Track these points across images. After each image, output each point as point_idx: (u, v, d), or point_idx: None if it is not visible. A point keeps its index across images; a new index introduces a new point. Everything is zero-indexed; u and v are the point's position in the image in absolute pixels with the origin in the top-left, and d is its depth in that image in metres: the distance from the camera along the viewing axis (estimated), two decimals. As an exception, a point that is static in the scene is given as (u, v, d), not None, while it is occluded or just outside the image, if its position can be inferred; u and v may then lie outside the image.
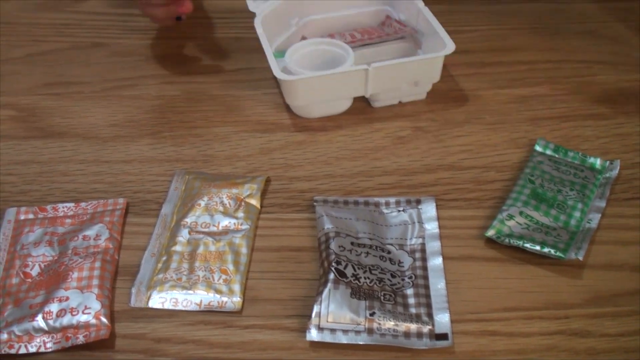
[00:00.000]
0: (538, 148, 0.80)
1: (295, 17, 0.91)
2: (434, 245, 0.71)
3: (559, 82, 0.90)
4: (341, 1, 0.92)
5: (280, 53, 0.87)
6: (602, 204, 0.75)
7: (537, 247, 0.69)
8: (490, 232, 0.71)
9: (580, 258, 0.69)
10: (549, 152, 0.80)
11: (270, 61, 0.80)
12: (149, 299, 0.67)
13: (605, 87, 0.89)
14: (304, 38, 0.90)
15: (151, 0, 0.88)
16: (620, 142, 0.82)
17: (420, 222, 0.73)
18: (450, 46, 0.81)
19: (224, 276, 0.68)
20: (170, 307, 0.67)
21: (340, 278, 0.66)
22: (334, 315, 0.64)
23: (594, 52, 0.95)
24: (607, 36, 0.97)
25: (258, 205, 0.75)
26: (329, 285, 0.65)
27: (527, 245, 0.70)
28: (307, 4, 0.91)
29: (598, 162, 0.79)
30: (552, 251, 0.69)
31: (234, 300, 0.66)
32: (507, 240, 0.70)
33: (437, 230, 0.72)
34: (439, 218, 0.73)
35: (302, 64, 0.83)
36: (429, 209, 0.74)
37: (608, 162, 0.79)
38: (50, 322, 0.64)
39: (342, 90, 0.82)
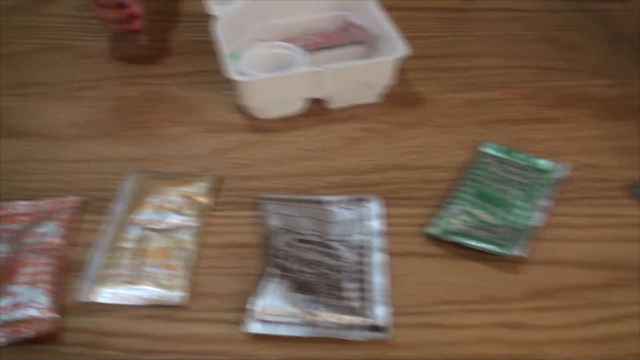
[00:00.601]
0: (486, 150, 0.82)
1: (256, 21, 0.93)
2: (377, 242, 0.72)
3: (512, 87, 0.91)
4: (302, 6, 0.94)
5: (239, 56, 0.89)
6: (547, 203, 0.76)
7: (479, 244, 0.71)
8: (433, 229, 0.73)
9: (521, 254, 0.70)
10: (496, 153, 0.82)
11: (227, 63, 0.81)
12: (95, 293, 0.68)
13: (559, 92, 0.91)
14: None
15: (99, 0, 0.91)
16: (571, 145, 0.84)
17: (366, 220, 0.74)
18: (402, 50, 0.83)
19: (169, 271, 0.69)
20: (117, 302, 0.68)
21: (282, 273, 0.67)
22: (273, 308, 0.65)
23: (550, 59, 0.96)
24: (565, 44, 0.99)
25: (207, 203, 0.76)
26: (270, 279, 0.67)
27: (469, 242, 0.71)
28: (268, 9, 0.93)
29: (545, 164, 0.81)
30: (494, 248, 0.71)
31: (178, 295, 0.68)
32: (449, 237, 0.72)
33: (381, 228, 0.73)
34: (385, 216, 0.75)
35: (258, 66, 0.85)
36: (375, 207, 0.75)
37: (555, 163, 0.81)
38: (1, 316, 0.65)
39: (296, 92, 0.84)
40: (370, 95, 0.88)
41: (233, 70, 0.81)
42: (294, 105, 0.86)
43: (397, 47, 0.84)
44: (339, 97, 0.86)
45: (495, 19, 1.04)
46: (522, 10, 1.05)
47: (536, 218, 0.74)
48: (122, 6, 0.93)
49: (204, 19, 0.90)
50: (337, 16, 0.95)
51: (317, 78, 0.82)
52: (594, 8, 1.05)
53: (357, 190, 0.78)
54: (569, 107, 0.89)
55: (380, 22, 0.88)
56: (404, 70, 0.92)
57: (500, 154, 0.82)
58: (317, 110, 0.88)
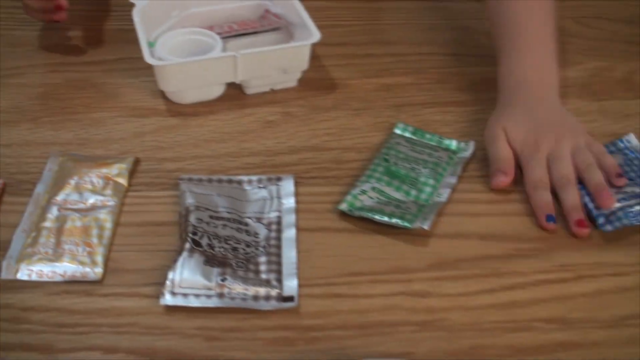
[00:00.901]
0: (397, 131, 0.86)
1: (176, 9, 0.95)
2: (289, 218, 0.75)
3: (425, 72, 0.95)
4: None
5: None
6: (454, 180, 0.80)
7: (386, 218, 0.74)
8: (343, 206, 0.76)
9: (426, 227, 0.74)
10: (407, 134, 0.86)
11: (143, 48, 0.84)
12: (17, 271, 0.70)
13: (471, 77, 0.95)
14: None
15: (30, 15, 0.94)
16: (479, 126, 0.88)
17: (279, 198, 0.77)
18: (315, 36, 0.87)
19: (87, 249, 0.72)
20: (36, 279, 0.70)
21: (195, 247, 0.70)
22: (187, 281, 0.68)
23: (464, 46, 1.01)
24: (480, 32, 1.03)
25: (125, 184, 0.78)
26: (184, 254, 0.69)
27: (376, 216, 0.74)
28: (187, -3, 0.96)
29: (454, 143, 0.85)
30: (399, 222, 0.74)
31: (95, 271, 0.70)
32: (357, 212, 0.75)
33: (293, 205, 0.77)
34: (297, 194, 0.78)
35: (176, 53, 0.88)
36: (288, 186, 0.78)
37: (463, 143, 0.85)
38: None
39: (212, 77, 0.87)
40: (286, 80, 0.91)
41: (149, 54, 0.84)
42: (211, 90, 0.89)
43: (312, 33, 0.87)
44: (255, 82, 0.89)
45: (411, 8, 1.08)
46: (442, 1, 1.09)
47: (442, 194, 0.78)
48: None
49: (128, 9, 0.92)
50: (257, 5, 0.98)
51: (231, 63, 0.85)
52: None
53: (271, 170, 0.81)
54: (478, 91, 0.93)
55: (297, 10, 0.91)
56: (320, 57, 0.95)
57: (410, 135, 0.85)
58: (235, 95, 0.91)
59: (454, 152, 0.84)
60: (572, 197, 0.78)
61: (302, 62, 0.89)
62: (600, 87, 0.95)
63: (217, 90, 0.89)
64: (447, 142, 0.85)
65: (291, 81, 0.91)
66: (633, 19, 1.08)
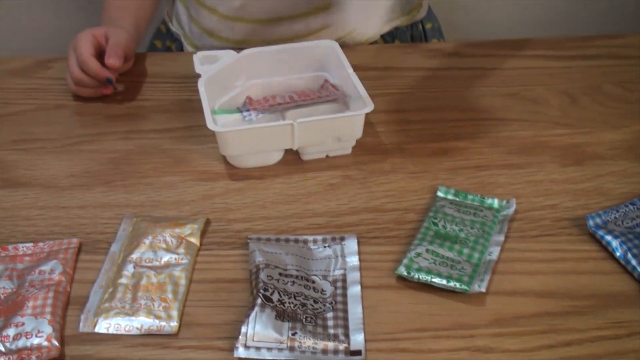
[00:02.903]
0: (440, 194, 0.90)
1: (240, 80, 1.01)
2: (354, 276, 0.79)
3: (479, 137, 0.99)
4: (283, 68, 1.03)
5: (224, 111, 0.97)
6: (501, 238, 0.84)
7: (444, 281, 0.78)
8: (401, 269, 0.79)
9: (483, 290, 0.77)
10: (450, 196, 0.89)
11: (207, 116, 0.89)
12: (95, 324, 0.74)
13: (522, 141, 0.99)
14: (249, 98, 0.99)
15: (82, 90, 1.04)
16: (532, 187, 0.91)
17: (343, 256, 0.81)
18: (369, 106, 0.91)
19: (163, 304, 0.76)
20: (114, 332, 0.74)
21: (266, 302, 0.74)
22: (259, 334, 0.71)
23: (514, 112, 1.04)
24: (528, 98, 1.07)
25: (197, 243, 0.83)
26: (256, 308, 0.73)
27: (435, 279, 0.78)
28: (251, 69, 1.01)
29: (496, 202, 0.89)
30: (457, 284, 0.77)
31: (171, 325, 0.74)
32: (416, 275, 0.78)
33: (357, 263, 0.80)
34: (360, 252, 0.82)
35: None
36: (351, 245, 0.82)
37: (505, 202, 0.88)
38: (7, 344, 0.71)
39: (270, 143, 0.92)
40: (341, 147, 0.95)
41: (211, 121, 0.89)
42: (270, 156, 0.94)
43: (366, 104, 0.92)
44: (311, 149, 0.94)
45: (459, 76, 1.12)
46: (487, 69, 1.14)
47: (492, 252, 0.82)
48: (110, 82, 1.03)
49: (195, 80, 0.97)
50: (316, 76, 1.04)
51: (289, 131, 0.90)
52: (554, 65, 1.14)
53: (335, 230, 0.85)
54: (530, 154, 0.97)
55: (352, 82, 0.96)
56: (375, 123, 1.00)
57: (453, 197, 0.89)
58: (294, 160, 0.95)
59: (497, 210, 0.88)
60: None
61: (356, 131, 0.94)
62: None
63: (276, 156, 0.94)
64: (489, 201, 0.89)
65: (346, 149, 0.96)
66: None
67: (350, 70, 0.98)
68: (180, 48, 1.27)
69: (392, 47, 1.20)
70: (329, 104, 0.99)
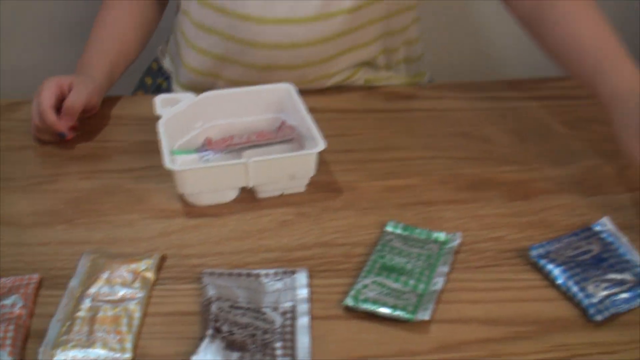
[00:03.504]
0: (389, 229, 0.93)
1: (200, 121, 1.05)
2: (303, 307, 0.82)
3: (428, 175, 1.03)
4: (242, 109, 1.07)
5: (183, 151, 1.01)
6: (446, 269, 0.87)
7: (389, 311, 0.81)
8: (348, 300, 0.83)
9: (427, 318, 0.80)
10: (398, 231, 0.93)
11: (165, 155, 0.93)
12: (53, 356, 0.77)
13: (471, 178, 1.03)
14: (207, 139, 1.03)
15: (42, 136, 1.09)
16: (479, 221, 0.95)
17: (293, 289, 0.84)
18: (320, 145, 0.95)
19: (118, 336, 0.79)
20: (71, 364, 0.77)
21: (216, 333, 0.77)
22: (209, 364, 0.74)
23: (464, 150, 1.09)
24: (478, 137, 1.12)
25: (153, 278, 0.86)
26: (207, 339, 0.76)
27: (381, 309, 0.81)
28: (210, 111, 1.05)
29: (442, 235, 0.92)
30: (402, 313, 0.81)
31: (125, 357, 0.77)
32: (363, 306, 0.82)
33: (306, 295, 0.84)
34: (310, 285, 0.85)
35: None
36: (301, 278, 0.85)
37: (451, 235, 0.92)
38: (-32, 375, 0.74)
39: (225, 181, 0.96)
40: (295, 185, 0.99)
41: (169, 160, 0.93)
42: (226, 194, 0.98)
43: (317, 143, 0.96)
44: (266, 187, 0.98)
45: (411, 118, 1.17)
46: (440, 110, 1.19)
47: (437, 283, 0.85)
48: (62, 137, 1.08)
49: (156, 121, 1.01)
50: (274, 118, 1.08)
51: (243, 169, 0.94)
52: (504, 106, 1.18)
53: (287, 264, 0.88)
54: (478, 190, 1.01)
55: (307, 122, 1.00)
56: (329, 163, 1.04)
57: (400, 231, 0.93)
58: (250, 198, 0.99)
59: (444, 243, 0.91)
60: None
61: (309, 169, 0.98)
62: (592, 183, 1.02)
63: (232, 194, 0.98)
64: (435, 234, 0.93)
65: (300, 187, 0.99)
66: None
67: (305, 112, 1.02)
68: (170, 85, 1.31)
69: (352, 89, 1.24)
70: (285, 144, 1.03)
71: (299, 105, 1.03)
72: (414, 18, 1.27)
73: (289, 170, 0.96)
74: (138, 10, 1.24)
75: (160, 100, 1.03)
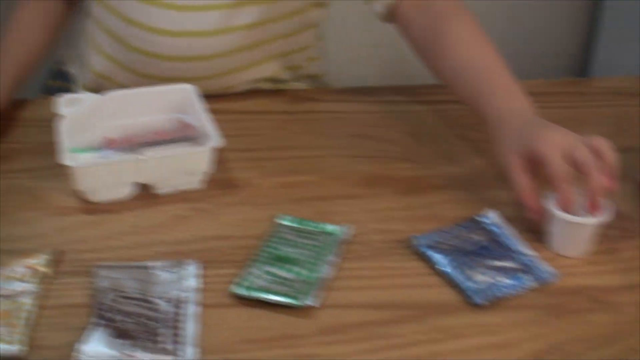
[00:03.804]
0: (282, 222, 0.97)
1: (102, 120, 1.07)
2: (193, 297, 0.85)
3: (324, 172, 1.07)
4: (142, 109, 1.09)
5: (84, 150, 1.03)
6: (336, 259, 0.91)
7: (277, 298, 0.85)
8: (237, 288, 0.86)
9: (312, 303, 0.84)
10: (291, 224, 0.97)
11: (62, 152, 0.96)
12: (-56, 350, 0.79)
13: (365, 175, 1.07)
14: (109, 139, 1.05)
15: None
16: (370, 215, 1.00)
17: (183, 279, 0.87)
18: (215, 141, 0.99)
19: (11, 329, 0.80)
20: (-38, 357, 0.78)
21: (105, 322, 0.80)
22: (95, 352, 0.77)
23: (360, 149, 1.13)
24: (375, 138, 1.16)
25: (48, 272, 0.88)
26: (93, 327, 0.79)
27: (269, 296, 0.85)
28: (112, 110, 1.07)
29: (333, 228, 0.96)
30: (290, 300, 0.84)
31: (17, 348, 0.78)
32: (252, 294, 0.85)
33: (197, 285, 0.86)
34: (202, 276, 0.88)
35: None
36: (192, 269, 0.88)
37: (341, 227, 0.96)
38: None
39: (122, 177, 0.99)
40: (191, 182, 1.02)
41: (65, 156, 0.95)
42: (123, 190, 1.00)
43: (214, 140, 1.00)
44: (162, 182, 1.00)
45: (315, 119, 1.21)
46: (340, 112, 1.23)
47: (325, 271, 0.89)
48: None
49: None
50: (174, 118, 1.10)
51: (139, 165, 0.97)
52: (401, 109, 1.23)
53: (179, 257, 0.91)
54: (371, 186, 1.05)
55: (205, 122, 1.03)
56: (229, 161, 1.07)
57: (293, 224, 0.97)
58: (149, 194, 1.02)
59: (334, 235, 0.95)
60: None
61: (204, 165, 1.01)
62: (483, 180, 1.07)
63: (128, 191, 1.00)
64: (327, 227, 0.96)
65: (196, 183, 1.02)
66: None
67: (204, 111, 1.05)
68: (74, 89, 1.32)
69: (258, 93, 1.28)
70: (184, 143, 1.05)
71: (199, 105, 1.06)
72: (317, 36, 1.31)
73: (184, 166, 0.99)
74: (45, 11, 1.25)
75: (62, 100, 1.05)
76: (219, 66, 1.20)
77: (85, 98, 1.06)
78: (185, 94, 1.10)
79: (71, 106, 1.05)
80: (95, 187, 0.98)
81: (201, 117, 1.05)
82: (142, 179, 0.99)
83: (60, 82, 1.35)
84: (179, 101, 1.10)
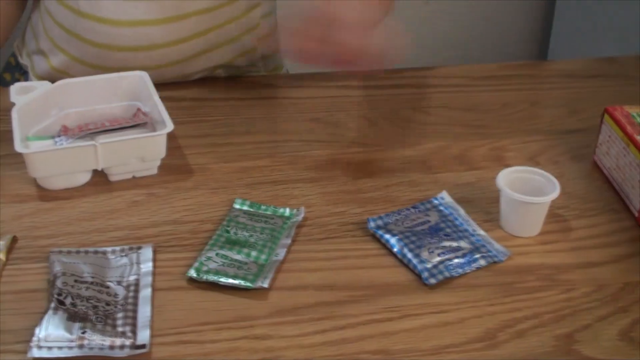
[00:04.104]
0: (236, 205, 0.99)
1: (55, 109, 1.07)
2: (146, 280, 0.86)
3: (278, 157, 1.09)
4: (97, 97, 1.10)
5: (38, 137, 1.04)
6: (288, 241, 0.93)
7: (230, 280, 0.86)
8: (191, 272, 0.87)
9: (265, 286, 0.86)
10: (245, 207, 0.98)
11: (16, 139, 0.96)
12: None
13: (318, 159, 1.09)
14: (64, 127, 1.06)
15: None
16: (324, 198, 1.01)
17: (138, 263, 0.88)
18: (169, 127, 1.00)
19: (-36, 315, 0.81)
20: None
21: (59, 306, 0.80)
22: (51, 335, 0.78)
23: (314, 134, 1.15)
24: (329, 122, 1.18)
25: (4, 259, 0.88)
26: (49, 312, 0.79)
27: (222, 279, 0.86)
28: (66, 98, 1.08)
29: (287, 211, 0.98)
30: (242, 282, 0.86)
31: (-32, 333, 0.79)
32: (205, 277, 0.86)
33: (151, 269, 0.88)
34: (155, 260, 0.89)
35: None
36: (147, 253, 0.90)
37: (295, 210, 0.98)
38: None
39: (76, 164, 0.99)
40: (147, 168, 1.03)
41: (19, 144, 0.95)
42: (77, 177, 1.01)
43: (167, 125, 1.00)
44: (117, 169, 1.01)
45: (271, 105, 1.23)
46: (295, 98, 1.25)
47: (279, 254, 0.90)
48: None
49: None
50: (130, 106, 1.11)
51: (92, 151, 0.97)
52: (356, 94, 1.25)
53: (133, 241, 0.92)
54: (325, 170, 1.07)
55: (159, 108, 1.04)
56: (184, 147, 1.09)
57: (248, 208, 0.98)
58: (103, 181, 1.02)
59: (288, 218, 0.97)
60: None
61: (158, 151, 1.02)
62: (437, 162, 1.09)
63: (83, 177, 1.01)
64: (281, 210, 0.98)
65: (152, 169, 1.03)
66: (470, 107, 1.24)
67: (157, 97, 1.06)
68: (28, 80, 1.32)
69: (214, 80, 1.29)
70: (138, 129, 1.06)
71: (152, 92, 1.07)
72: (263, 14, 1.32)
73: (138, 152, 1.00)
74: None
75: (15, 89, 1.05)
76: (172, 54, 1.21)
77: (38, 86, 1.07)
78: (139, 80, 1.10)
79: (24, 94, 1.05)
80: (50, 174, 0.99)
81: (155, 104, 1.06)
82: (97, 166, 0.99)
83: (15, 73, 1.35)
84: (132, 88, 1.11)
